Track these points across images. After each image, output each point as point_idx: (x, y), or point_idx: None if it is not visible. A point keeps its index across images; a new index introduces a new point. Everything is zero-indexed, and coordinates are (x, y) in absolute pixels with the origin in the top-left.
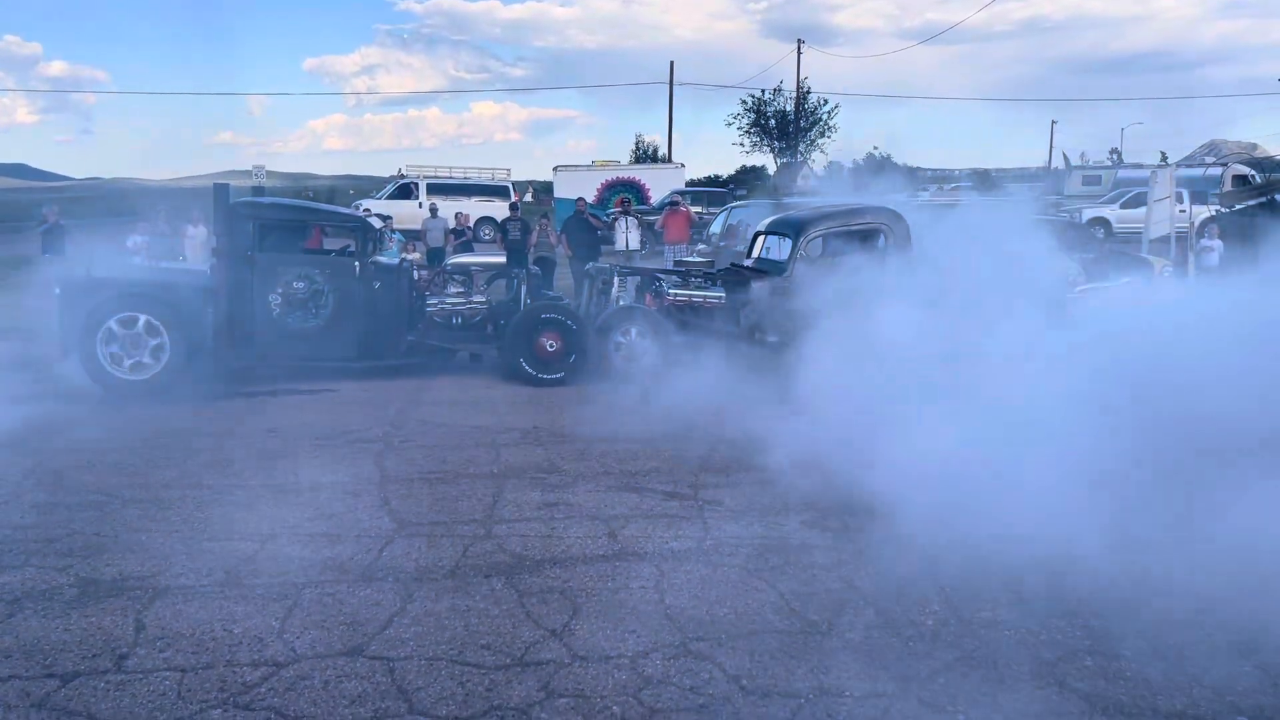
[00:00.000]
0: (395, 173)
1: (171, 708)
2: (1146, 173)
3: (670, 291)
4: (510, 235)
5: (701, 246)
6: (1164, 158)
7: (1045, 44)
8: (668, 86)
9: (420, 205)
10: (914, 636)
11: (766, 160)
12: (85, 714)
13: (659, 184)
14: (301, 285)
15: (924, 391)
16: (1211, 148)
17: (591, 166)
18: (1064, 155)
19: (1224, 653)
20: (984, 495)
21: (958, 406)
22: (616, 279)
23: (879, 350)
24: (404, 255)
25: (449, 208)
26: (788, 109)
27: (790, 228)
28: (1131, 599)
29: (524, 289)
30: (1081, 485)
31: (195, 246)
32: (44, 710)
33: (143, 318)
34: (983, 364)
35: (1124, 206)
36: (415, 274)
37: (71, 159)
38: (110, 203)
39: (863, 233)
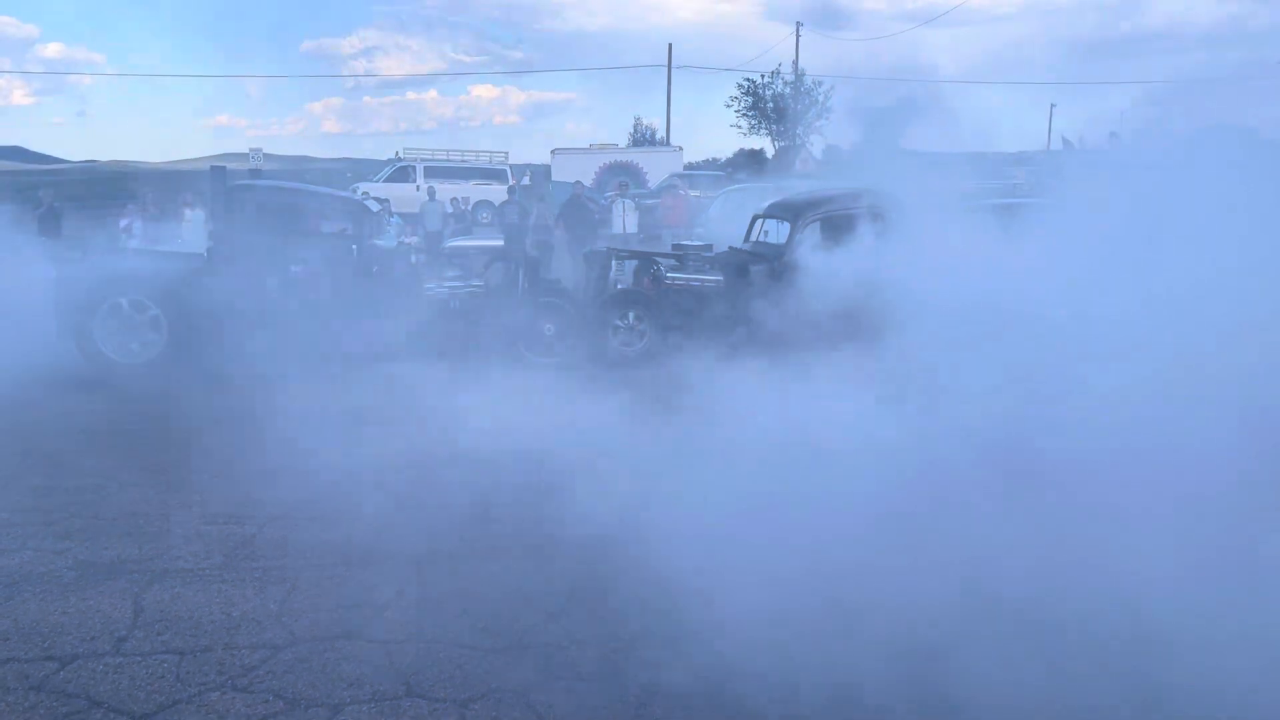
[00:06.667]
0: (393, 155)
1: (170, 690)
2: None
3: (668, 275)
4: (508, 218)
5: (699, 230)
6: None
7: (1049, 26)
8: (666, 69)
9: (418, 188)
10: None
11: (765, 143)
12: (84, 696)
13: (657, 167)
14: (298, 268)
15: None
16: (1210, 131)
17: (589, 149)
18: (1063, 138)
19: None
20: None
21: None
22: (614, 262)
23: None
24: (401, 239)
25: (447, 191)
26: (786, 91)
27: (789, 211)
28: None
29: (521, 273)
30: None
31: (192, 229)
32: (43, 693)
33: (139, 301)
34: None
35: None
36: (412, 257)
37: (67, 141)
38: (106, 186)
39: (861, 216)
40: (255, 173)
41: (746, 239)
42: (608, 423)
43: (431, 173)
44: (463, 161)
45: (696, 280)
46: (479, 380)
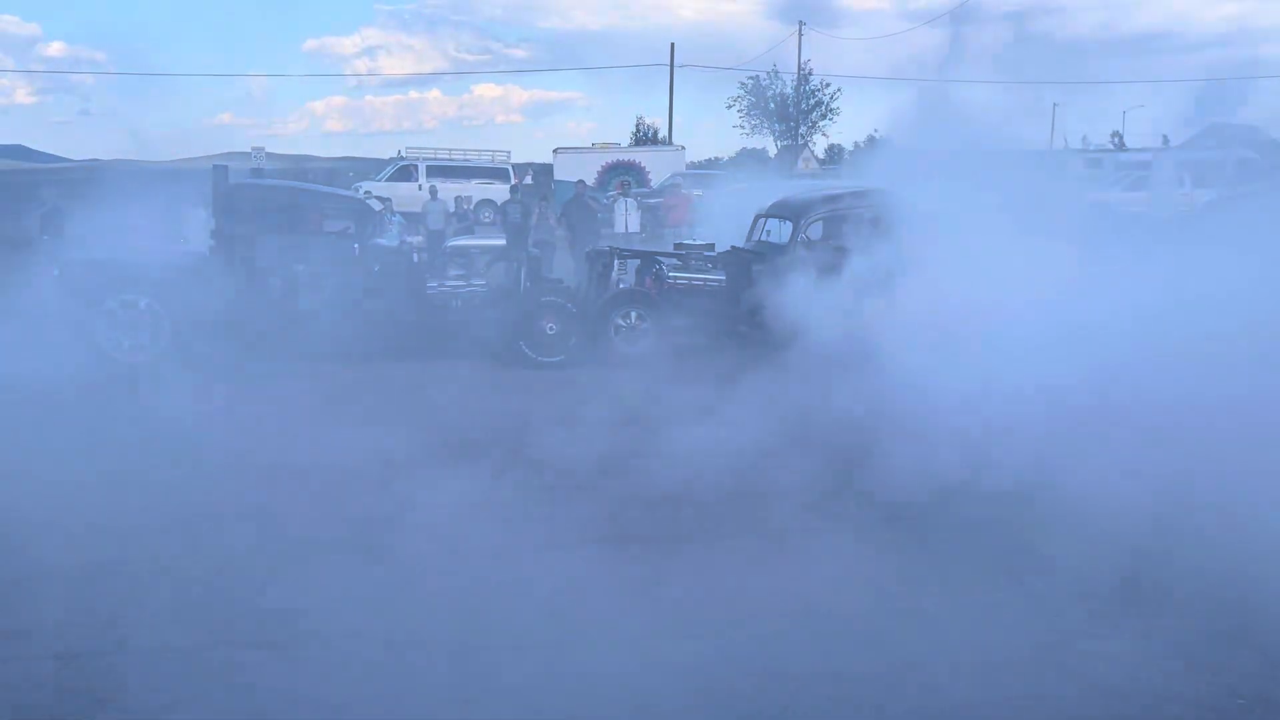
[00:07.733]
0: (395, 154)
1: (173, 688)
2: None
3: (670, 274)
4: (510, 218)
5: (701, 229)
6: (1166, 141)
7: (1053, 25)
8: (669, 68)
9: (420, 188)
10: None
11: (767, 143)
12: (87, 694)
13: (659, 166)
14: (301, 268)
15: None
16: (1213, 131)
17: (592, 149)
18: (1065, 138)
19: None
20: None
21: None
22: (616, 262)
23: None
24: (404, 238)
25: (449, 190)
26: (788, 91)
27: (791, 211)
28: None
29: (524, 272)
30: None
31: (195, 228)
32: (45, 691)
33: (141, 299)
34: None
35: (1126, 189)
36: (415, 256)
37: (70, 140)
38: (109, 184)
39: (864, 216)
40: (257, 172)
41: (749, 238)
42: None
43: (434, 172)
44: (465, 160)
45: (699, 279)
46: (482, 377)
